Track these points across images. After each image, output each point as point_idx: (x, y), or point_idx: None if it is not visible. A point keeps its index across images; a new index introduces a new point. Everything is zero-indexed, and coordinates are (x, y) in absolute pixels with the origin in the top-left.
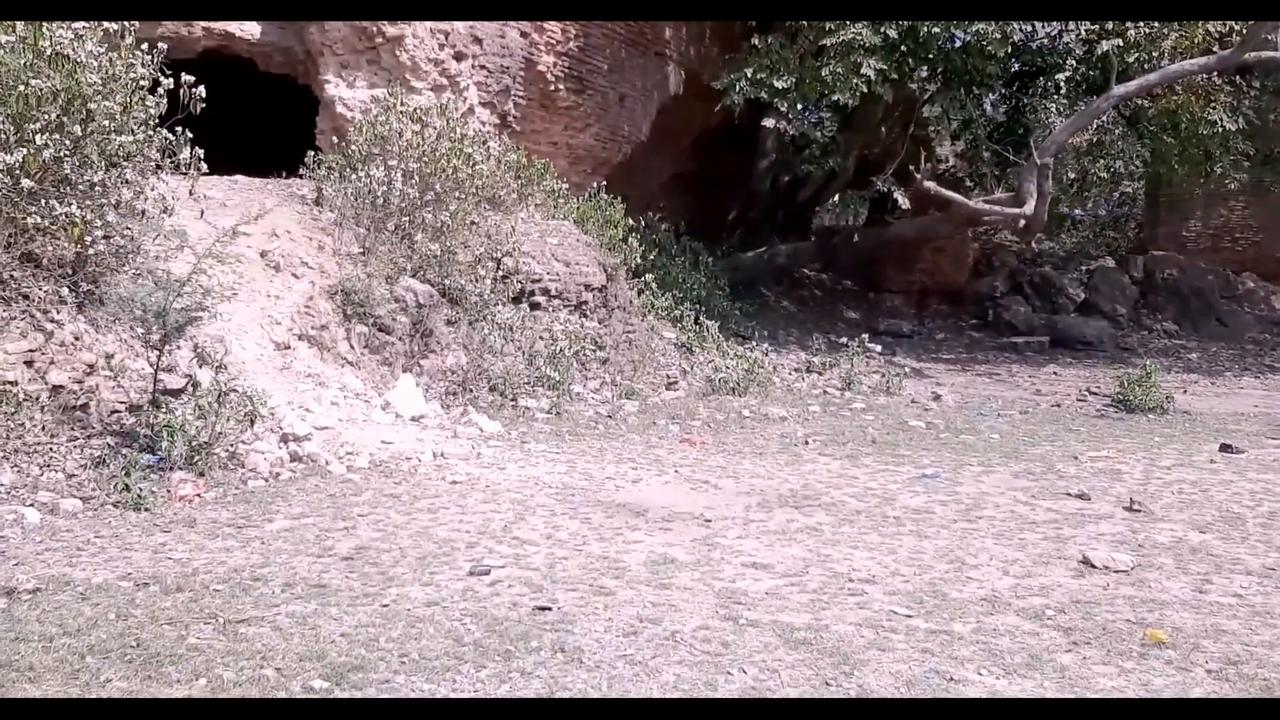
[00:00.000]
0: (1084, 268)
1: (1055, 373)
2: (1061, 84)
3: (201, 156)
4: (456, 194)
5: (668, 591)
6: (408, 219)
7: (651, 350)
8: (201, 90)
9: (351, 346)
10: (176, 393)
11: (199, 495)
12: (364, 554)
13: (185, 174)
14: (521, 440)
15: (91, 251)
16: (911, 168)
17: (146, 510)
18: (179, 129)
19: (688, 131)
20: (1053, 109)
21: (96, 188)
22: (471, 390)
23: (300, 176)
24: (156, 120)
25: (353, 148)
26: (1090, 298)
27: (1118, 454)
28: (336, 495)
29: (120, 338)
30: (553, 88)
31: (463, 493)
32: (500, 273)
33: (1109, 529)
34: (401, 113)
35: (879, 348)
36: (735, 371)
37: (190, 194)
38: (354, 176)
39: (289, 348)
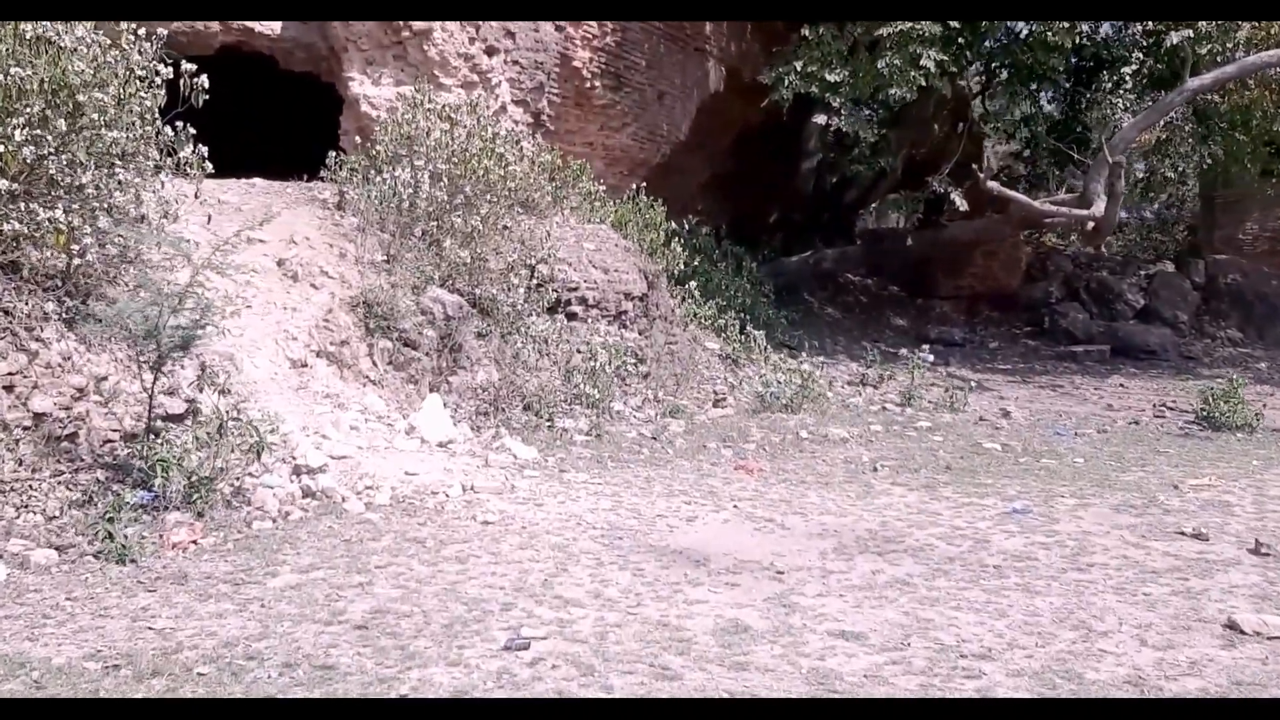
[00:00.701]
0: (1142, 272)
1: (1122, 384)
2: (1127, 78)
3: (205, 155)
4: (488, 197)
5: (745, 674)
6: (435, 224)
7: (695, 363)
8: (204, 80)
9: (374, 363)
10: (178, 419)
11: (195, 541)
12: (381, 620)
13: (189, 175)
14: (560, 469)
15: (79, 262)
16: (974, 166)
17: (132, 562)
18: (179, 124)
19: (727, 131)
20: (1119, 104)
21: (86, 190)
22: (504, 410)
23: (321, 179)
24: (155, 115)
25: (377, 148)
26: (1150, 304)
27: (1220, 481)
28: (352, 540)
29: (115, 358)
30: (589, 85)
31: (496, 536)
32: (534, 281)
33: (1241, 579)
34: (429, 110)
35: (931, 357)
36: (788, 386)
37: (195, 197)
38: (378, 179)
39: (306, 365)
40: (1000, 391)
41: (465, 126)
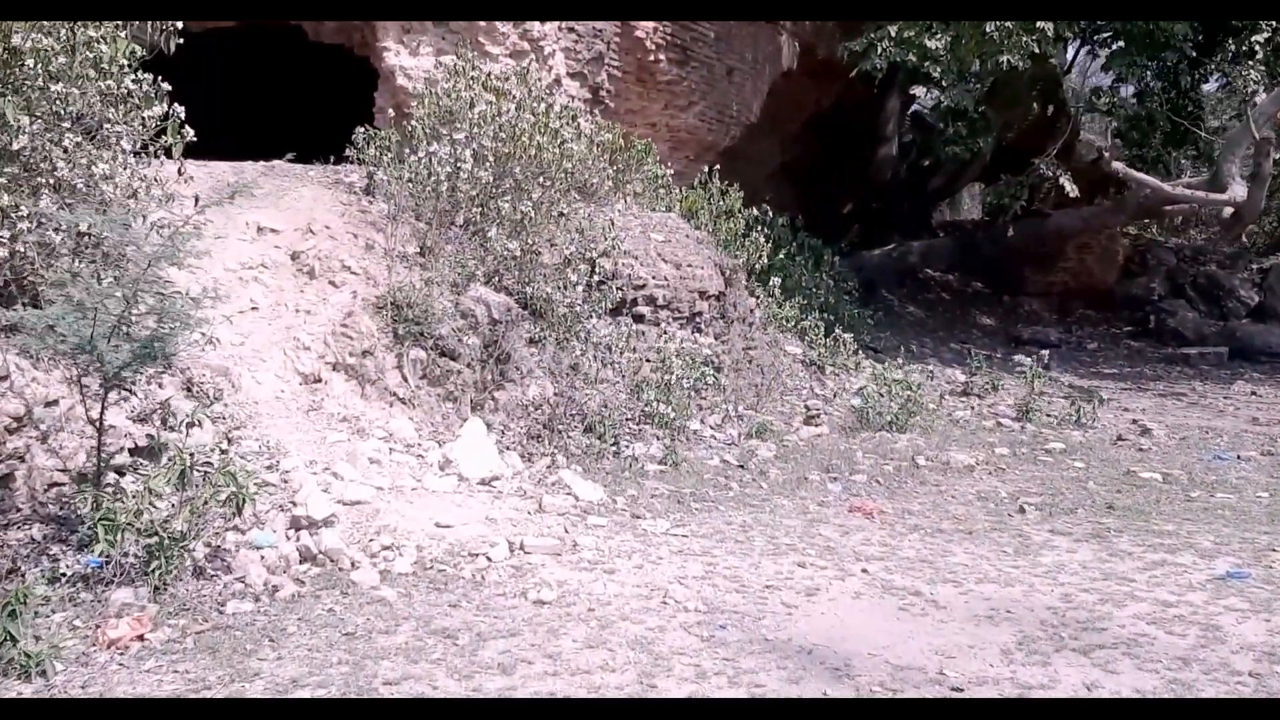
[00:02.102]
0: (1254, 266)
1: (1254, 393)
2: (1257, 47)
3: (183, 116)
4: (540, 179)
5: None
6: (479, 210)
7: (777, 371)
8: (178, 24)
9: (404, 378)
10: (151, 454)
11: (140, 637)
12: None
13: (166, 145)
14: (632, 513)
15: (7, 252)
16: (1100, 146)
17: (41, 674)
18: (141, 76)
19: (799, 114)
20: (1250, 76)
21: (20, 156)
22: (561, 432)
23: (348, 160)
24: (121, 67)
25: (413, 122)
26: (1267, 301)
27: None
28: (358, 634)
29: (69, 377)
30: (652, 58)
31: (554, 626)
32: (595, 278)
33: None
34: (473, 79)
35: (1029, 360)
36: (891, 400)
37: (180, 174)
38: (413, 159)
39: (319, 381)
40: (1120, 402)
41: (515, 99)
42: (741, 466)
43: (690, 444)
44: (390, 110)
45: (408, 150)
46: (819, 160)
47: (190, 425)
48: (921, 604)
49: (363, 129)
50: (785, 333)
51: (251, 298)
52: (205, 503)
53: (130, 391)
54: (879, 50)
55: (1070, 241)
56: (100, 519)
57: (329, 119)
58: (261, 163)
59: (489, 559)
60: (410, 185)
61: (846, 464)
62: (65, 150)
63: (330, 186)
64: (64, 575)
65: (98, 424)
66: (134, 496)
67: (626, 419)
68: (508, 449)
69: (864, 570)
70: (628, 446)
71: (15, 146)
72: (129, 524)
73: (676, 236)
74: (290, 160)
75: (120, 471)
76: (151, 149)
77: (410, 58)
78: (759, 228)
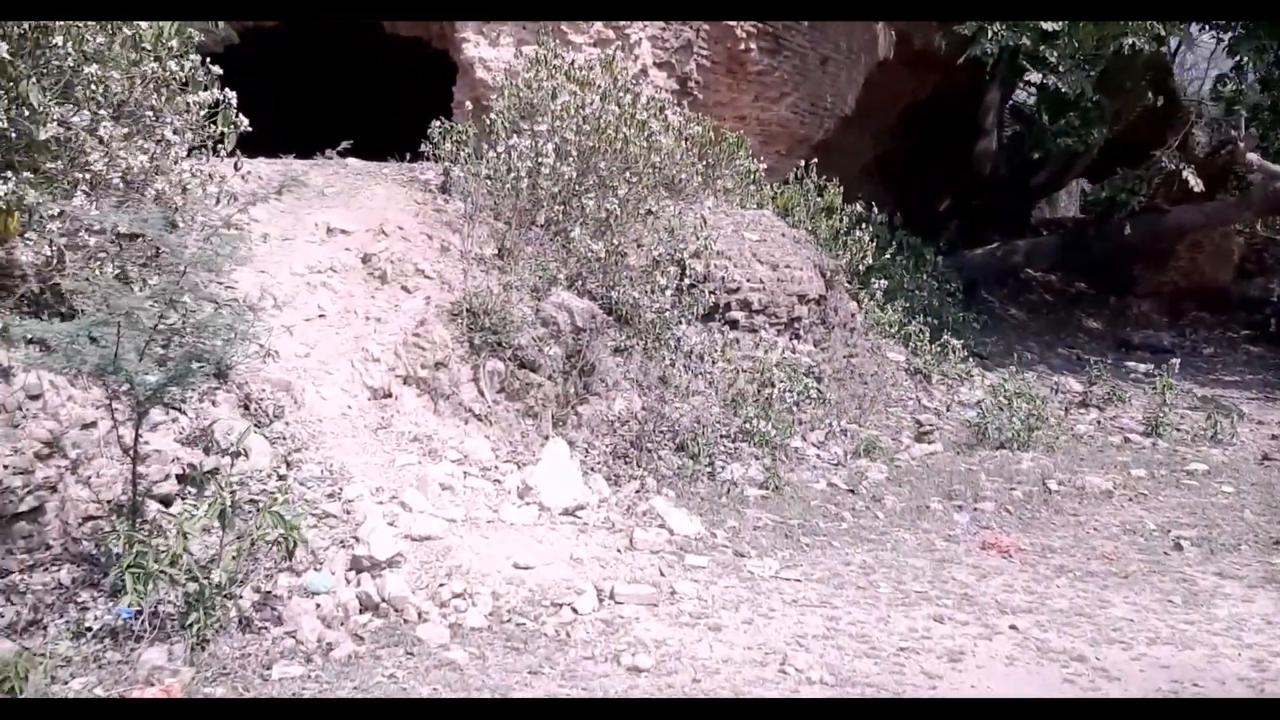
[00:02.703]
0: None
1: None
2: None
3: (234, 102)
4: (626, 175)
5: None
6: (562, 209)
7: (881, 380)
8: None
9: (480, 392)
10: (196, 484)
11: None
12: None
13: (216, 136)
14: (735, 551)
15: (27, 258)
16: (1235, 134)
17: None
18: (191, 59)
19: (894, 106)
20: None
21: (50, 147)
22: (650, 451)
23: (424, 157)
24: (171, 50)
25: (492, 115)
26: None
27: None
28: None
29: (110, 394)
30: (743, 46)
31: (653, 697)
32: (685, 280)
33: None
34: (555, 68)
35: (1142, 366)
36: (1012, 414)
37: (236, 169)
38: (491, 154)
39: (389, 396)
40: (1253, 414)
41: (599, 89)
42: (852, 491)
43: (792, 464)
44: (469, 104)
45: (486, 145)
46: (913, 155)
47: (235, 454)
48: (1089, 673)
49: (439, 122)
50: (888, 339)
51: (319, 304)
52: (254, 542)
53: (179, 410)
54: (989, 34)
55: (1183, 239)
56: (129, 565)
57: (407, 115)
58: (334, 159)
59: (575, 610)
60: (488, 182)
61: (969, 489)
62: (102, 141)
63: (405, 184)
64: (90, 629)
65: (132, 451)
66: (175, 533)
67: (721, 436)
68: (592, 470)
69: (1012, 627)
70: (724, 467)
71: (42, 136)
72: (162, 571)
73: (772, 235)
74: (341, 152)
75: (165, 501)
76: (204, 141)
77: (490, 49)
78: (862, 225)
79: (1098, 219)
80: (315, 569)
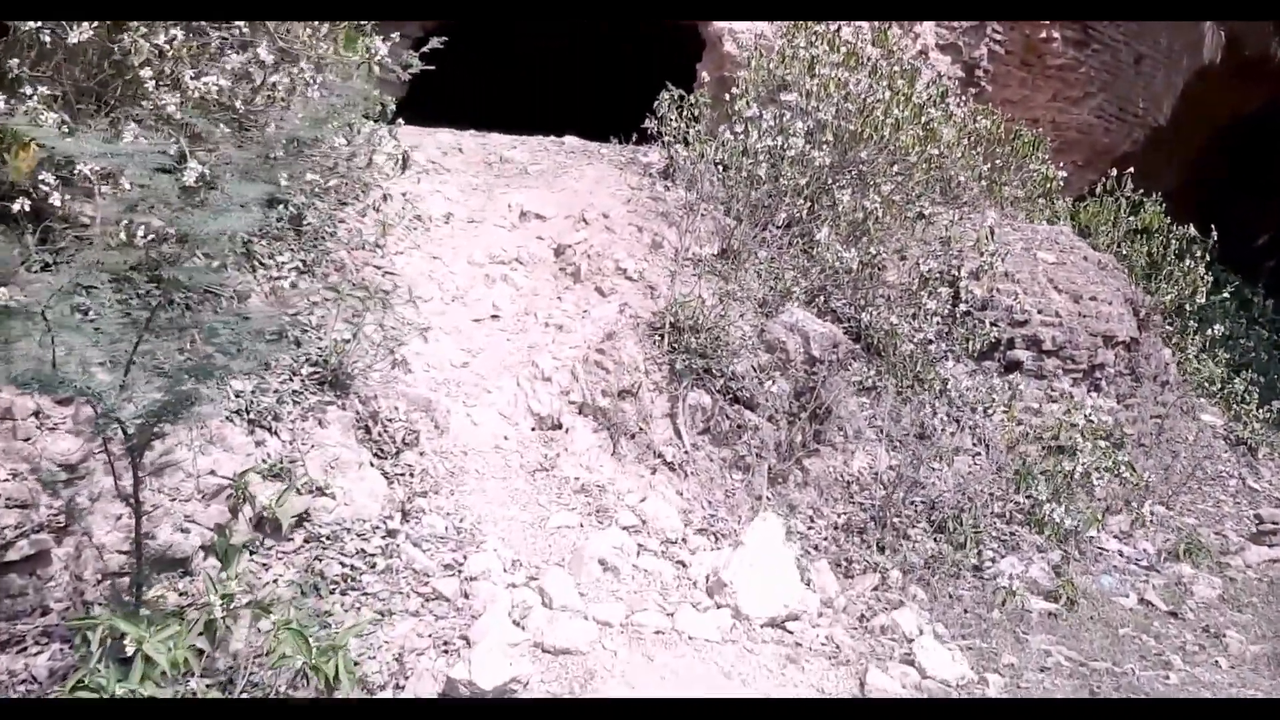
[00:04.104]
0: None
1: None
2: None
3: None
4: (894, 170)
5: None
6: (809, 205)
7: (1194, 451)
8: None
9: (676, 432)
10: (221, 557)
11: None
12: None
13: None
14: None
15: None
16: None
17: None
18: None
19: (1211, 120)
20: None
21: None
22: (896, 528)
23: (651, 140)
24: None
25: (734, 90)
26: None
27: None
28: None
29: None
30: (1044, 34)
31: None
32: (959, 306)
33: None
34: (817, 35)
35: None
36: None
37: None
38: (727, 135)
39: (558, 427)
40: None
41: (870, 64)
42: (1174, 614)
43: (1087, 562)
44: (708, 76)
45: (724, 128)
46: (1226, 180)
47: (263, 520)
48: None
49: (668, 94)
50: (1204, 397)
51: (494, 301)
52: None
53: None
54: None
55: None
56: (74, 687)
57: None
58: (549, 137)
59: None
60: (720, 170)
61: None
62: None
63: (621, 167)
64: None
65: (133, 496)
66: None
67: (995, 515)
68: (815, 550)
69: None
70: (995, 561)
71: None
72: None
73: (1072, 258)
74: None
75: (144, 584)
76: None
77: (741, 21)
78: (1192, 253)
79: None
80: (396, 688)
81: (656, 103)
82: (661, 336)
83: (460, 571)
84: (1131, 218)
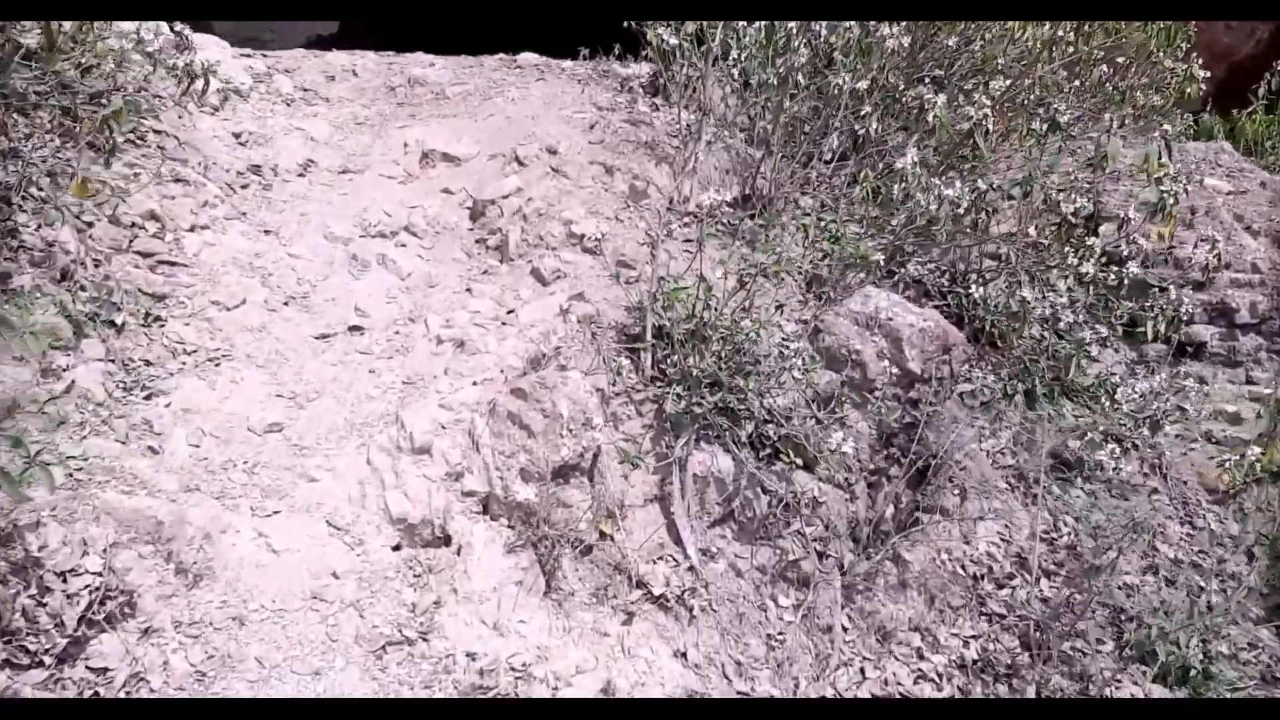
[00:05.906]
0: None
1: None
2: None
3: None
4: (1020, 60)
5: None
6: (876, 121)
7: None
8: None
9: (673, 533)
10: None
11: None
12: None
13: None
14: None
15: None
16: None
17: None
18: None
19: None
20: None
21: None
22: (1065, 661)
23: (633, 48)
24: None
25: None
26: None
27: None
28: None
29: None
30: None
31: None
32: (1128, 267)
33: None
34: None
35: None
36: None
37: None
38: (749, 28)
39: (443, 542)
40: None
41: None
42: None
43: None
44: None
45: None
46: None
47: None
48: None
49: None
50: None
51: (359, 303)
52: None
53: None
54: None
55: None
56: None
57: None
58: (502, 56)
59: None
60: (740, 76)
61: None
62: None
63: (583, 81)
64: None
65: None
66: None
67: (1216, 625)
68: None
69: None
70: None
71: None
72: None
73: (1251, 185)
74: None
75: None
76: None
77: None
78: None
79: None
80: None
81: None
82: (640, 352)
83: None
84: None
